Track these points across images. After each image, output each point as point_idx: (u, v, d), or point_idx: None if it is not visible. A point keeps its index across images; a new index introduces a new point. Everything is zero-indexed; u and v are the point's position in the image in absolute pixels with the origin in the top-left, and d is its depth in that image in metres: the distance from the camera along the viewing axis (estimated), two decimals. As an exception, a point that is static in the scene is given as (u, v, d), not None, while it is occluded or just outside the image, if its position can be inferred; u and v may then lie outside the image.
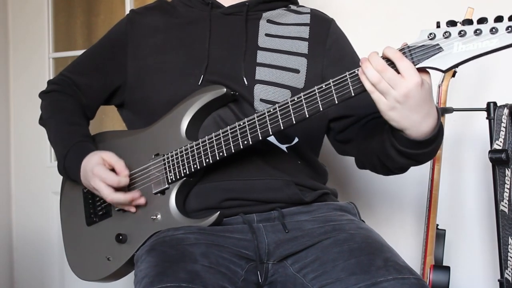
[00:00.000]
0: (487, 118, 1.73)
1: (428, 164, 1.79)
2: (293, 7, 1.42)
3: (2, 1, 2.55)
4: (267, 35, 1.34)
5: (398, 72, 1.01)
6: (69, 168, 1.34)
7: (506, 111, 1.63)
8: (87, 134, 1.41)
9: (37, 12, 2.54)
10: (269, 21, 1.36)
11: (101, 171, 1.25)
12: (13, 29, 2.56)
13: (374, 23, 2.07)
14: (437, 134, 1.10)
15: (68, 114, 1.42)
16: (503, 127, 1.63)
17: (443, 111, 1.74)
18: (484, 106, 1.74)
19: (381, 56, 1.04)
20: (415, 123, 1.05)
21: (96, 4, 2.64)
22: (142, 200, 1.27)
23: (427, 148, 1.11)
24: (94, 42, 1.51)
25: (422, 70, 1.03)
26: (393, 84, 1.01)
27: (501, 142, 1.63)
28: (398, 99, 1.02)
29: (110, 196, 1.25)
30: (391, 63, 1.02)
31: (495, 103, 1.71)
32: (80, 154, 1.32)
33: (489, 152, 1.63)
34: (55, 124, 1.42)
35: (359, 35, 2.02)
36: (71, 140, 1.35)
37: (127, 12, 2.41)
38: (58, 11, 2.61)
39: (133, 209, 1.29)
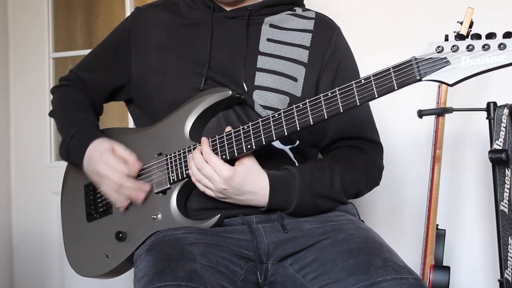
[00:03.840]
0: (487, 118, 1.73)
1: (428, 164, 1.79)
2: (298, 10, 1.40)
3: (2, 1, 2.55)
4: (268, 40, 1.33)
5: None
6: (73, 150, 1.34)
7: (506, 111, 1.63)
8: (95, 123, 1.41)
9: (37, 12, 2.54)
10: (271, 25, 1.35)
11: (111, 158, 1.25)
12: (13, 29, 2.56)
13: (374, 22, 2.07)
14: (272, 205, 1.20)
15: (76, 104, 1.43)
16: (503, 127, 1.63)
17: (443, 111, 1.74)
18: (484, 106, 1.74)
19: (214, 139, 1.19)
20: (240, 202, 1.20)
21: (96, 4, 2.64)
22: (140, 199, 1.27)
23: (290, 208, 1.21)
24: (94, 42, 1.52)
25: (246, 155, 1.18)
26: (211, 180, 1.16)
27: (501, 142, 1.63)
28: (219, 193, 1.18)
29: (121, 180, 1.24)
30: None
31: (495, 103, 1.71)
32: (87, 138, 1.32)
33: (489, 152, 1.63)
34: (63, 113, 1.43)
35: (360, 34, 2.03)
36: (79, 125, 1.36)
37: (127, 12, 2.44)
38: (58, 11, 2.61)
39: (125, 205, 1.29)
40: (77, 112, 1.41)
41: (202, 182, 1.18)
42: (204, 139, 1.19)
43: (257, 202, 1.20)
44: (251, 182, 1.17)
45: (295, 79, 1.30)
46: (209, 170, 1.16)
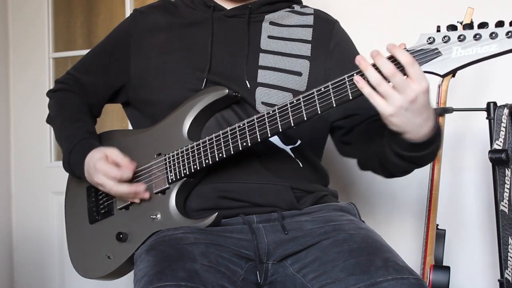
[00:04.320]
0: (487, 118, 1.73)
1: (428, 164, 1.79)
2: (296, 7, 1.40)
3: (2, 1, 2.55)
4: (270, 37, 1.33)
5: (404, 75, 1.00)
6: (74, 165, 1.35)
7: (506, 111, 1.63)
8: (91, 131, 1.41)
9: (37, 12, 2.54)
10: (272, 23, 1.36)
11: (103, 165, 1.25)
12: (13, 29, 2.56)
13: (375, 22, 2.07)
14: (436, 134, 1.10)
15: (73, 112, 1.43)
16: (503, 127, 1.63)
17: (443, 111, 1.74)
18: (484, 106, 1.74)
19: (388, 57, 1.02)
20: (416, 126, 1.04)
21: (96, 4, 2.64)
22: (146, 195, 1.27)
23: (426, 149, 1.11)
24: (94, 42, 1.52)
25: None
26: (401, 89, 0.99)
27: (501, 142, 1.63)
28: (403, 105, 1.00)
29: (114, 188, 1.25)
30: (397, 63, 1.00)
31: (495, 103, 1.71)
32: (83, 151, 1.32)
33: (489, 152, 1.63)
34: (61, 122, 1.43)
35: (360, 34, 2.02)
36: (75, 138, 1.36)
37: (127, 12, 2.44)
38: (58, 11, 2.61)
39: (137, 200, 1.28)
40: (74, 121, 1.40)
41: (380, 89, 1.00)
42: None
43: (423, 130, 1.06)
44: (430, 103, 1.04)
45: (299, 74, 1.30)
46: (402, 77, 0.99)
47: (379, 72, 1.00)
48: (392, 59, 1.01)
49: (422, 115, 1.03)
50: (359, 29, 2.03)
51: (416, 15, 2.02)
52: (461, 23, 1.66)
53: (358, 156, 1.32)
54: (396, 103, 1.00)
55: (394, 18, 2.05)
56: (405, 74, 1.00)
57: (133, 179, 1.28)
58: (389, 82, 1.01)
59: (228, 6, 1.36)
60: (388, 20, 2.06)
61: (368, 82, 1.02)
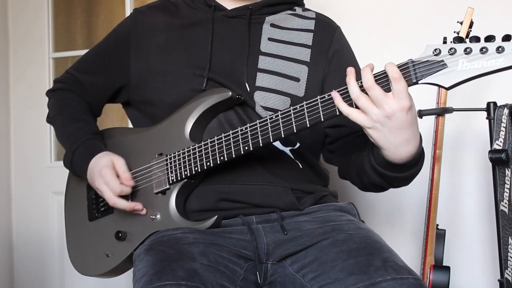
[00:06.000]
0: (487, 118, 1.73)
1: (428, 164, 1.79)
2: (298, 10, 1.40)
3: (2, 1, 2.55)
4: (270, 39, 1.33)
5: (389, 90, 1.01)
6: (76, 165, 1.34)
7: (506, 111, 1.63)
8: (96, 131, 1.41)
9: (37, 12, 2.55)
10: (272, 25, 1.35)
11: (108, 174, 1.25)
12: (13, 29, 2.56)
13: (376, 22, 2.07)
14: (414, 163, 1.12)
15: (74, 111, 1.42)
16: (503, 127, 1.63)
17: (443, 111, 1.74)
18: (484, 106, 1.74)
19: (381, 71, 1.03)
20: (392, 145, 1.05)
21: (96, 4, 2.64)
22: (143, 212, 1.27)
23: (401, 173, 1.13)
24: (94, 42, 1.51)
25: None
26: (377, 103, 1.01)
27: (501, 142, 1.63)
28: (380, 119, 1.02)
29: (112, 200, 1.26)
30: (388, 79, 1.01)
31: (495, 103, 1.71)
32: (90, 152, 1.32)
33: (489, 152, 1.63)
34: (62, 121, 1.42)
35: (361, 33, 2.02)
36: (80, 137, 1.35)
37: (127, 12, 2.44)
38: (58, 11, 2.61)
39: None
40: (76, 120, 1.40)
41: (358, 103, 1.02)
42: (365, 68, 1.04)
43: (400, 152, 1.07)
44: (414, 127, 1.06)
45: (297, 79, 1.30)
46: (380, 92, 1.01)
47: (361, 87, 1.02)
48: (384, 73, 1.02)
49: (400, 136, 1.04)
50: (360, 30, 2.04)
51: (417, 15, 2.02)
52: (461, 23, 1.66)
53: (338, 164, 1.34)
54: (373, 117, 1.02)
55: (395, 18, 2.05)
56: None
57: (133, 179, 1.28)
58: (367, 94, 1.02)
59: (229, 6, 1.36)
60: (389, 20, 2.06)
61: (347, 97, 1.04)
